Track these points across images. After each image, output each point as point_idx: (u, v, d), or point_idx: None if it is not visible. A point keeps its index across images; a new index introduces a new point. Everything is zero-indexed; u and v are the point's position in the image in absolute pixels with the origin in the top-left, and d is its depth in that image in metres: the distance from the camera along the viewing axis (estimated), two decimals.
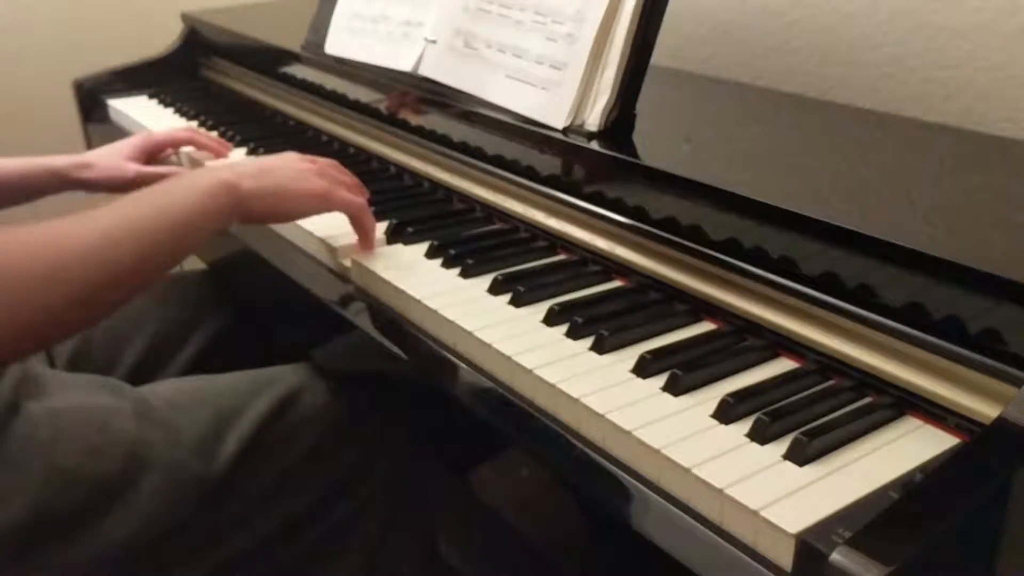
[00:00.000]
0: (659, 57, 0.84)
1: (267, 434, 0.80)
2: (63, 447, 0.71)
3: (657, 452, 0.56)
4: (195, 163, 1.14)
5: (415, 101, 1.04)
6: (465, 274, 0.80)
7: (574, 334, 0.69)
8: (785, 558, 0.49)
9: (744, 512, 0.51)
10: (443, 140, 1.00)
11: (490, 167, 0.93)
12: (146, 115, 1.37)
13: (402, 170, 1.06)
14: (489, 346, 0.68)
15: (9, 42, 1.81)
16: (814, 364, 0.65)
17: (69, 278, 0.63)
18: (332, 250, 0.86)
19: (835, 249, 0.64)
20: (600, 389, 0.62)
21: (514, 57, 0.90)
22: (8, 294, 0.60)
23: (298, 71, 1.27)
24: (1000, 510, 0.49)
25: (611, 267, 0.80)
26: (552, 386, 0.63)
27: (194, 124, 1.31)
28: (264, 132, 1.25)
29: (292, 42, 1.25)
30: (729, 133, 0.92)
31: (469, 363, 0.70)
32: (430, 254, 0.84)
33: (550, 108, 0.86)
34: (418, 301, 0.75)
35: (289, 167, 0.82)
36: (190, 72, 1.56)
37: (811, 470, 0.54)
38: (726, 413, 0.59)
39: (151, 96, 1.46)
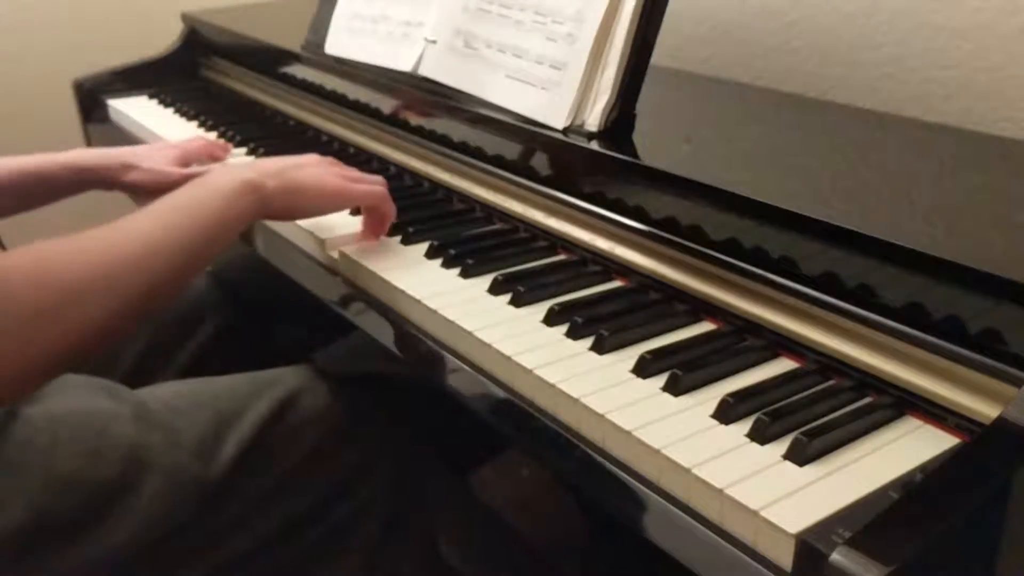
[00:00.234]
0: (659, 57, 0.84)
1: (267, 436, 0.80)
2: (62, 451, 0.71)
3: (657, 452, 0.56)
4: None
5: (415, 101, 1.04)
6: (465, 274, 0.80)
7: (574, 334, 0.69)
8: (785, 558, 0.49)
9: (744, 512, 0.51)
10: (443, 140, 1.00)
11: (490, 167, 0.93)
12: (146, 115, 1.37)
13: (402, 170, 1.06)
14: (489, 346, 0.68)
15: (9, 42, 1.81)
16: (814, 364, 0.65)
17: (118, 288, 0.63)
18: (332, 250, 0.86)
19: (835, 249, 0.64)
20: (600, 389, 0.62)
21: (514, 57, 0.90)
22: (64, 306, 0.60)
23: (298, 71, 1.27)
24: (1000, 510, 0.49)
25: (611, 267, 0.80)
26: (552, 386, 0.63)
27: (194, 124, 1.31)
28: (264, 132, 1.25)
29: (292, 42, 1.25)
30: (729, 133, 0.92)
31: (469, 363, 0.70)
32: (430, 254, 0.84)
33: (550, 108, 0.86)
34: (418, 301, 0.75)
35: (308, 166, 0.83)
36: (190, 72, 1.56)
37: (811, 470, 0.54)
38: (726, 413, 0.59)
39: (151, 96, 1.46)
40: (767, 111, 1.00)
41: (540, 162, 0.87)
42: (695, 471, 0.54)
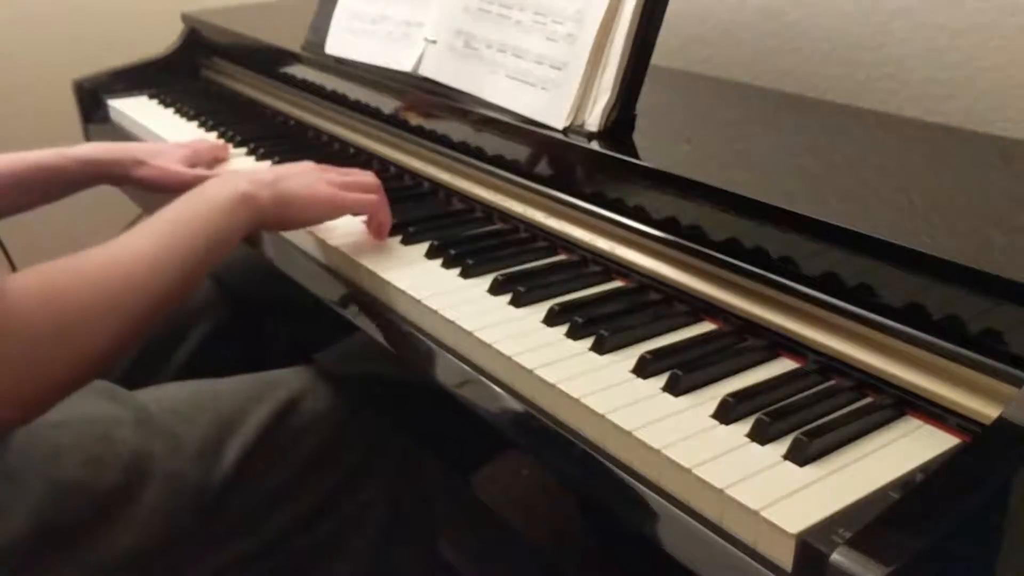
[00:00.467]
0: (659, 57, 0.84)
1: (269, 440, 0.80)
2: (64, 459, 0.71)
3: (657, 452, 0.56)
4: None
5: (415, 101, 1.04)
6: (465, 274, 0.80)
7: (574, 334, 0.69)
8: (785, 558, 0.49)
9: (744, 512, 0.51)
10: (443, 140, 1.00)
11: (490, 167, 0.93)
12: (146, 115, 1.37)
13: (402, 170, 1.06)
14: (489, 347, 0.68)
15: (9, 42, 1.81)
16: (814, 364, 0.65)
17: (121, 309, 0.64)
18: (332, 250, 0.86)
19: (835, 249, 0.64)
20: (600, 389, 0.62)
21: (514, 57, 0.90)
22: (73, 329, 0.61)
23: (298, 71, 1.27)
24: (1000, 510, 0.49)
25: (611, 267, 0.80)
26: (552, 386, 0.63)
27: (194, 124, 1.31)
28: (264, 132, 1.25)
29: (292, 42, 1.25)
30: (729, 133, 0.92)
31: (469, 364, 0.70)
32: (430, 254, 0.84)
33: (550, 108, 0.86)
34: (418, 301, 0.75)
35: (300, 175, 0.83)
36: (190, 72, 1.56)
37: (811, 470, 0.54)
38: (726, 413, 0.59)
39: (151, 96, 1.46)
40: (767, 111, 1.00)
41: (540, 162, 0.87)
42: (695, 471, 0.54)
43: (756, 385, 0.62)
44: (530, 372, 0.64)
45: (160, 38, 1.58)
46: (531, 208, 0.88)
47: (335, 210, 0.84)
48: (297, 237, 0.91)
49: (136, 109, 1.41)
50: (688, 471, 0.54)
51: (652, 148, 0.83)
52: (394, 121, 1.08)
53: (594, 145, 0.82)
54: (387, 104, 1.09)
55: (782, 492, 0.52)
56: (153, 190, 1.04)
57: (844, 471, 0.54)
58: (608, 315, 0.71)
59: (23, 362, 0.58)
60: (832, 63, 1.16)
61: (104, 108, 1.46)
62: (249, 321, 1.13)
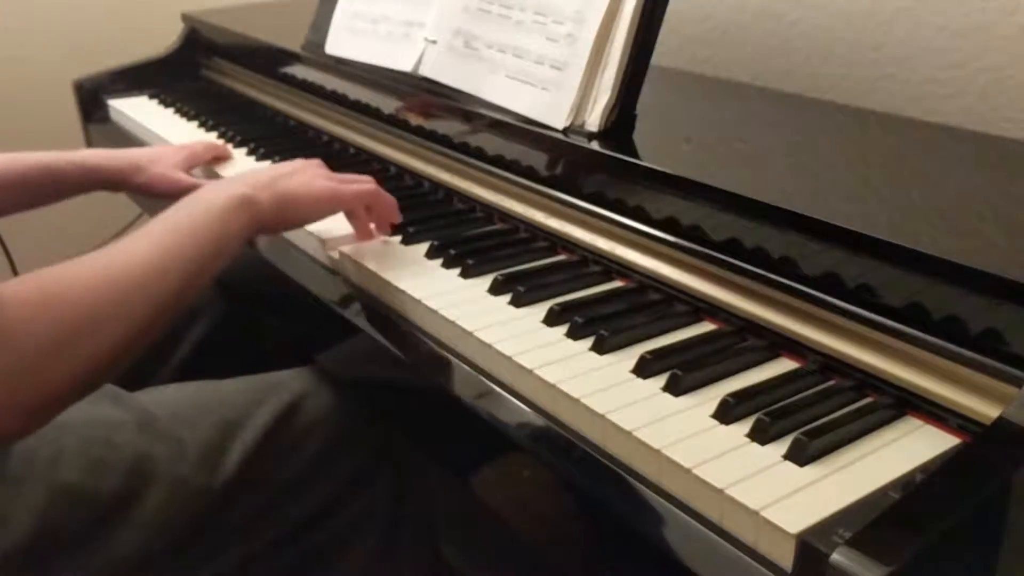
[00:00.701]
0: (659, 57, 0.84)
1: (271, 443, 0.80)
2: (66, 463, 0.71)
3: (657, 452, 0.56)
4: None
5: (415, 101, 1.04)
6: (465, 274, 0.80)
7: (574, 334, 0.69)
8: (785, 558, 0.49)
9: (744, 512, 0.51)
10: (443, 140, 1.00)
11: (490, 167, 0.93)
12: (146, 115, 1.37)
13: (402, 170, 1.06)
14: (489, 347, 0.68)
15: (9, 42, 1.81)
16: (815, 364, 0.65)
17: (123, 314, 0.63)
18: (331, 250, 0.86)
19: (835, 249, 0.64)
20: (600, 389, 0.62)
21: (514, 57, 0.90)
22: (75, 336, 0.59)
23: (298, 71, 1.27)
24: (1000, 510, 0.49)
25: (611, 267, 0.80)
26: (552, 386, 0.63)
27: (194, 124, 1.31)
28: (264, 132, 1.25)
29: (292, 42, 1.26)
30: (729, 133, 0.92)
31: (469, 364, 0.70)
32: (430, 254, 0.84)
33: (550, 108, 0.86)
34: (418, 301, 0.75)
35: (297, 173, 0.82)
36: (190, 72, 1.56)
37: (811, 470, 0.54)
38: (726, 413, 0.59)
39: (151, 96, 1.47)
40: (767, 111, 1.00)
41: (540, 162, 0.87)
42: (695, 471, 0.54)
43: (756, 385, 0.62)
44: (530, 372, 0.64)
45: (160, 38, 1.58)
46: (531, 208, 0.88)
47: (335, 204, 0.83)
48: (297, 237, 0.91)
49: (136, 109, 1.41)
50: (688, 471, 0.54)
51: (652, 148, 0.83)
52: (394, 121, 1.08)
53: (594, 145, 0.82)
54: (387, 104, 1.09)
55: (782, 492, 0.52)
56: (153, 197, 1.04)
57: (844, 471, 0.54)
58: (608, 315, 0.71)
59: (23, 371, 0.57)
60: (832, 63, 1.16)
61: (104, 108, 1.46)
62: (249, 321, 1.12)
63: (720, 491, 0.52)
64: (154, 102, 1.44)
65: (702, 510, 0.54)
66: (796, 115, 0.99)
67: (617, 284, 0.79)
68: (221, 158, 1.14)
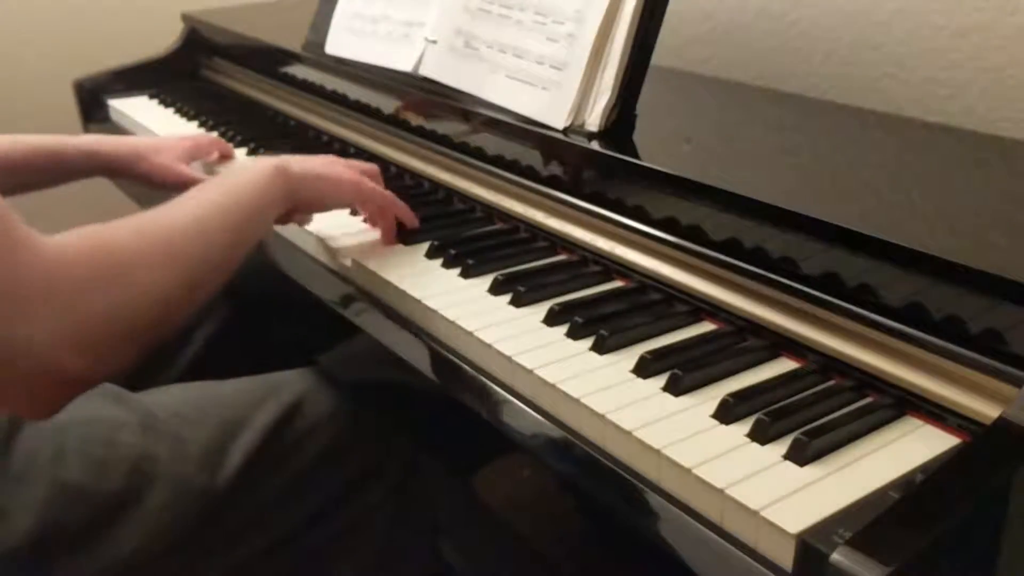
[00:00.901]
0: (659, 57, 0.84)
1: (272, 444, 0.80)
2: (68, 462, 0.71)
3: (657, 452, 0.56)
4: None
5: (415, 101, 1.04)
6: (465, 274, 0.80)
7: (574, 334, 0.69)
8: (785, 558, 0.49)
9: (745, 512, 0.51)
10: (443, 140, 1.00)
11: (490, 167, 0.93)
12: (147, 115, 1.37)
13: (402, 170, 1.06)
14: (489, 346, 0.68)
15: (9, 42, 1.81)
16: (815, 364, 0.65)
17: (172, 257, 0.64)
18: (332, 250, 0.86)
19: (835, 249, 0.64)
20: (600, 389, 0.62)
21: (514, 57, 0.90)
22: (123, 274, 0.60)
23: (298, 71, 1.27)
24: (1000, 510, 0.49)
25: (611, 267, 0.80)
26: (552, 386, 0.63)
27: (194, 124, 1.31)
28: (264, 132, 1.25)
29: (292, 42, 1.26)
30: (729, 133, 0.92)
31: (470, 364, 0.70)
32: (430, 254, 0.84)
33: (550, 108, 0.86)
34: (418, 301, 0.75)
35: (321, 158, 0.86)
36: (190, 72, 1.56)
37: (812, 470, 0.54)
38: (726, 413, 0.59)
39: (151, 96, 1.46)
40: (767, 111, 1.00)
41: (540, 162, 0.87)
42: (695, 471, 0.54)
43: (756, 385, 0.62)
44: (530, 372, 0.64)
45: (160, 38, 1.58)
46: (531, 208, 0.88)
47: (358, 194, 0.84)
48: (299, 238, 0.91)
49: (136, 109, 1.41)
50: (688, 471, 0.54)
51: (652, 148, 0.83)
52: (394, 121, 1.08)
53: (594, 145, 0.82)
54: (387, 104, 1.09)
55: (782, 492, 0.52)
56: (153, 186, 1.04)
57: (844, 471, 0.54)
58: (608, 315, 0.71)
59: (82, 310, 0.56)
60: (832, 63, 1.16)
61: (104, 108, 1.46)
62: (253, 322, 1.12)
63: (720, 491, 0.52)
64: (154, 102, 1.44)
65: (702, 510, 0.54)
66: (796, 115, 0.99)
67: (617, 284, 0.79)
68: (224, 155, 1.14)
